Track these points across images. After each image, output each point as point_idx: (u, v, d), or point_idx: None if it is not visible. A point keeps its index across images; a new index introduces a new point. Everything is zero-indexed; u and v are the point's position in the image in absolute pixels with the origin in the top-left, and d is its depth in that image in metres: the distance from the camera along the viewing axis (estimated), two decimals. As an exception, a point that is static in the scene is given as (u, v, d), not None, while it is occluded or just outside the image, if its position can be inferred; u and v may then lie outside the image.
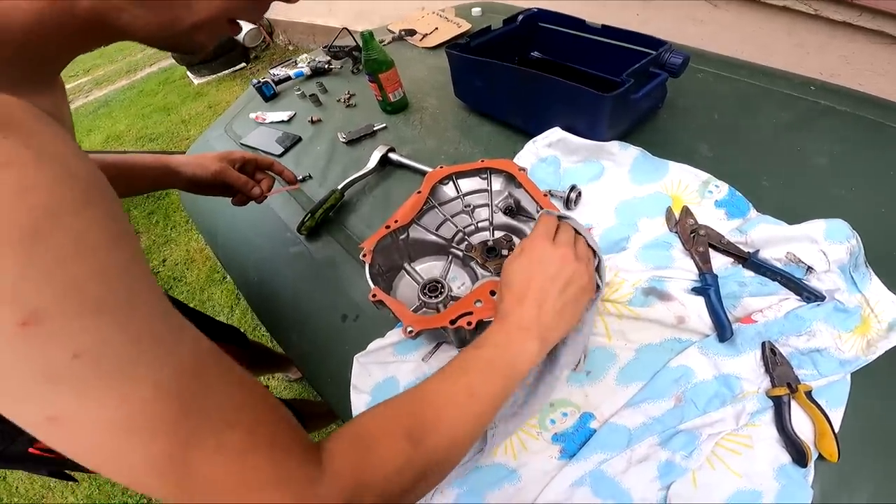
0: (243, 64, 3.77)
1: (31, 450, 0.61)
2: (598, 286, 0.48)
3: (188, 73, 3.84)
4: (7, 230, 0.21)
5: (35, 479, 1.57)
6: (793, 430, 0.45)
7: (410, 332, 0.50)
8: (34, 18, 0.30)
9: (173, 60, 3.80)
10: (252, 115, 1.18)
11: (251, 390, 0.31)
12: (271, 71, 1.35)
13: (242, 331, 1.18)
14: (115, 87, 4.44)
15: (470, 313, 0.50)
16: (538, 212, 0.62)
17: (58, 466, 0.69)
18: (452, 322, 0.49)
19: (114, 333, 0.24)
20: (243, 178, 0.72)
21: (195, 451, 0.26)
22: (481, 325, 0.50)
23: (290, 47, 3.82)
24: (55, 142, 0.25)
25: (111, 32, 0.34)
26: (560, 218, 0.49)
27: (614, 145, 0.74)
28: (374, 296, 0.54)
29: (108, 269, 0.24)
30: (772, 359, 0.49)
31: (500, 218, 0.67)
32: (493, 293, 0.51)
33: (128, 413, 0.24)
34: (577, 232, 0.48)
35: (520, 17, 0.95)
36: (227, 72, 3.73)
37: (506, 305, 0.44)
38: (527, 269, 0.45)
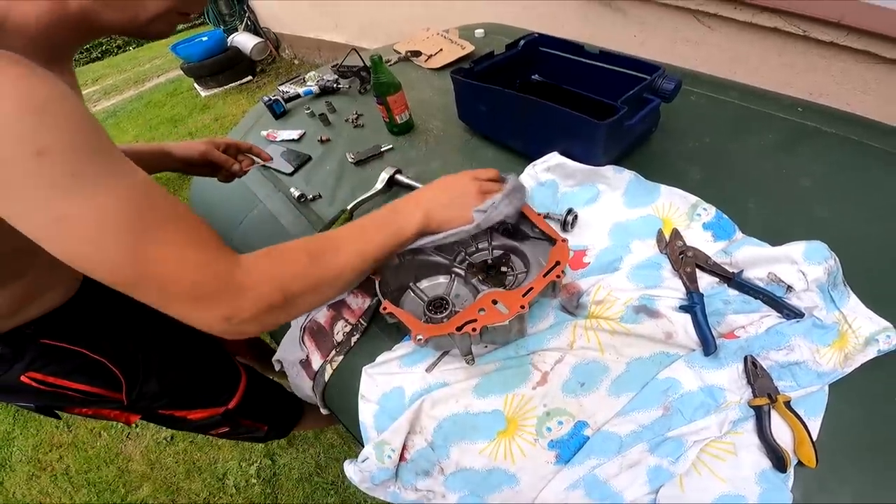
0: (249, 77, 3.84)
1: (23, 378, 0.62)
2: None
3: (195, 85, 3.91)
4: (26, 102, 0.35)
5: (32, 484, 1.59)
6: (773, 437, 0.49)
7: (420, 339, 0.53)
8: (43, 16, 0.45)
9: (181, 71, 3.87)
10: (263, 133, 1.22)
11: (184, 207, 0.45)
12: (280, 88, 1.39)
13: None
14: (123, 98, 4.51)
15: (475, 321, 0.53)
16: (534, 232, 0.67)
17: (47, 400, 0.70)
18: (459, 329, 0.53)
19: (95, 161, 0.38)
20: (224, 157, 0.85)
21: (150, 244, 0.40)
22: (485, 332, 0.54)
23: (296, 61, 3.89)
24: (45, 70, 0.38)
25: (96, 28, 0.48)
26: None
27: (609, 169, 0.78)
28: (384, 308, 0.58)
29: (88, 128, 0.38)
30: (753, 371, 0.53)
31: (499, 239, 0.71)
32: (494, 302, 0.55)
33: (106, 213, 0.38)
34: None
35: (521, 43, 0.99)
36: (233, 85, 3.80)
37: (413, 194, 0.63)
38: (434, 186, 0.64)
